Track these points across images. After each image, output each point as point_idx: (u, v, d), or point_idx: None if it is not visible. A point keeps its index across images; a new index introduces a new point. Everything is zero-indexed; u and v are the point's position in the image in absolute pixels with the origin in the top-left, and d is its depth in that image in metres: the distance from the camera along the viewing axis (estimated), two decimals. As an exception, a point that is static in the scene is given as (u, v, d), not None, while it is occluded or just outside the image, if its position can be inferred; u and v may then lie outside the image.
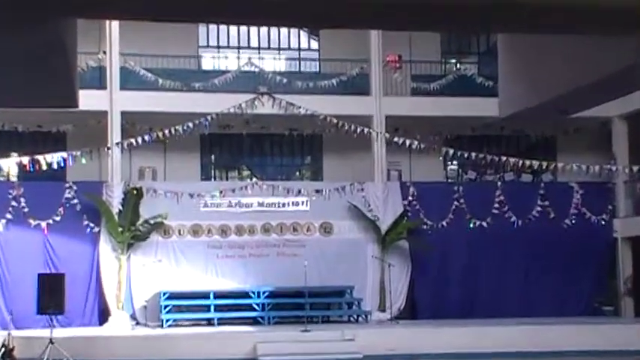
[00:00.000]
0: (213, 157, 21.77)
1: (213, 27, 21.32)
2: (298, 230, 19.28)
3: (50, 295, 14.84)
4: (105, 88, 19.05)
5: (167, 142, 19.37)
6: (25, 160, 17.35)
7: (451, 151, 19.32)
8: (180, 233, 18.83)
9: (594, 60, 7.21)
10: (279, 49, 22.06)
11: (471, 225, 19.61)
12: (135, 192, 18.44)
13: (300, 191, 19.27)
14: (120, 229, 18.13)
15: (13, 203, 18.05)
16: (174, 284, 18.39)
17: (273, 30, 21.46)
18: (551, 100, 8.52)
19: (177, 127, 18.44)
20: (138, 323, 17.93)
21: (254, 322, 18.05)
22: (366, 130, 19.22)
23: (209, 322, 18.14)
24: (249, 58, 20.58)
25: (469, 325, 17.27)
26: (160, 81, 19.31)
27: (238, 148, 21.61)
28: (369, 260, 19.25)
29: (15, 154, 18.83)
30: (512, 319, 17.98)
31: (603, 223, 20.04)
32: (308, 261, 17.69)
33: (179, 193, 18.66)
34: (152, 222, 18.48)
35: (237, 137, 21.21)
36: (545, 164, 19.22)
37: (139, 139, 18.34)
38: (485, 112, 18.37)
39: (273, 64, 21.65)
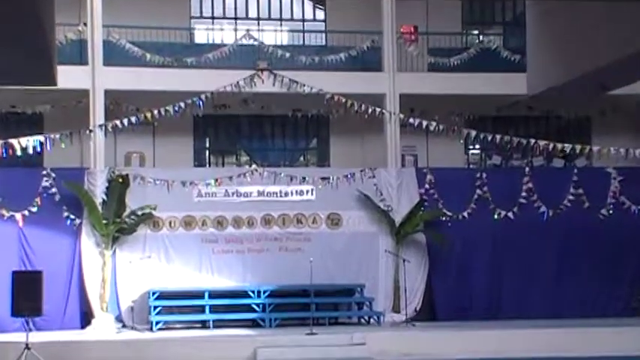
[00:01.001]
0: (207, 140, 21.83)
1: (207, -5, 21.33)
2: (303, 222, 19.26)
3: (26, 295, 14.81)
4: (86, 63, 19.00)
5: (156, 124, 19.31)
6: (-2, 144, 17.32)
7: (473, 134, 19.29)
8: (171, 226, 18.82)
9: (638, 27, 7.08)
10: (280, 19, 22.01)
11: (496, 216, 19.57)
12: (120, 180, 18.41)
13: (304, 179, 19.24)
14: (104, 222, 18.11)
15: (-15, 193, 18.02)
16: (164, 282, 18.41)
17: (274, -2, 21.47)
18: (588, 75, 8.40)
19: (167, 108, 18.44)
20: (124, 326, 17.93)
21: (254, 324, 18.06)
22: (378, 110, 19.19)
23: (204, 325, 18.13)
24: (248, 31, 20.51)
25: (494, 327, 17.25)
26: (148, 56, 19.33)
27: (236, 131, 21.64)
28: (381, 255, 19.23)
29: (-14, 138, 18.81)
30: (542, 321, 17.95)
31: (644, 213, 19.95)
32: (313, 256, 17.66)
33: (170, 182, 18.66)
34: (140, 213, 18.47)
35: (235, 118, 21.25)
36: (578, 148, 19.14)
37: (125, 121, 18.34)
38: (511, 90, 18.31)
39: (274, 36, 21.63)
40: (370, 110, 19.02)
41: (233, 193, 19.11)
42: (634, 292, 19.76)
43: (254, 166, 20.38)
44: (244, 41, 20.21)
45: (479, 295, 19.33)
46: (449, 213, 19.50)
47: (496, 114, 21.39)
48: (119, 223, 18.21)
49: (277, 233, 19.16)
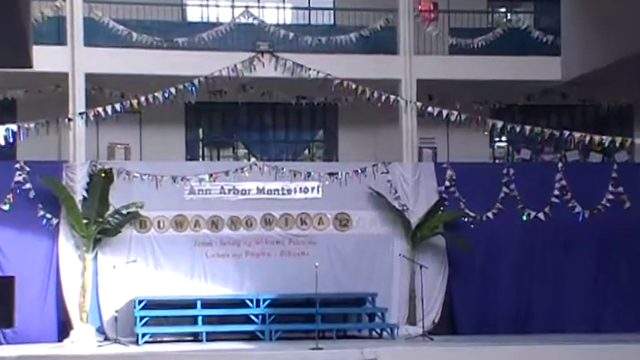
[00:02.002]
0: (201, 131, 21.77)
1: (201, -33, 21.26)
2: (307, 223, 19.29)
3: (-4, 304, 14.78)
4: (65, 43, 18.99)
5: (143, 112, 19.32)
6: (-35, 134, 17.34)
7: (499, 124, 19.22)
8: (159, 226, 18.85)
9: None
10: (283, -5, 21.95)
11: (525, 217, 19.58)
12: (103, 175, 18.43)
13: (309, 174, 19.25)
14: (84, 221, 18.10)
15: (-49, 188, 18.03)
16: (152, 290, 18.42)
17: (276, -28, 21.41)
18: (630, 58, 8.36)
19: (156, 94, 18.43)
20: (107, 339, 17.92)
21: (252, 337, 18.04)
22: (392, 97, 19.14)
23: (196, 338, 18.14)
24: (247, 8, 20.44)
25: (522, 342, 17.19)
26: (135, 35, 19.28)
27: (233, 121, 21.60)
28: (395, 261, 19.24)
29: (-48, 127, 18.79)
30: (578, 336, 17.93)
31: (693, 214, 19.89)
32: (319, 261, 17.68)
33: (158, 177, 18.67)
34: (125, 212, 18.47)
35: (232, 107, 21.18)
36: (619, 140, 19.05)
37: (109, 109, 18.31)
38: (543, 75, 18.38)
39: (276, 14, 21.53)
40: (384, 98, 18.97)
41: (229, 190, 19.12)
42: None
43: (253, 160, 20.37)
44: (243, 20, 20.12)
45: (505, 306, 19.31)
46: (471, 213, 19.50)
47: (525, 102, 21.31)
48: (101, 223, 18.20)
49: (279, 235, 19.18)
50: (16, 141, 18.04)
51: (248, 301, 18.31)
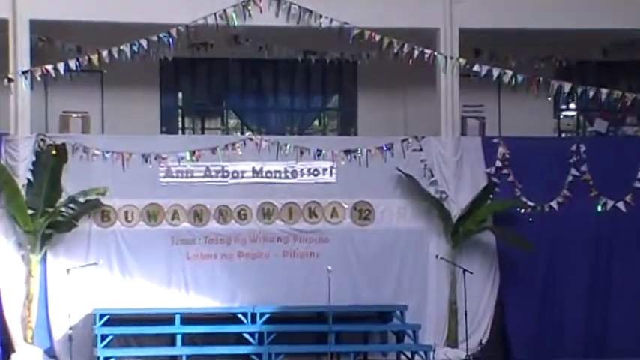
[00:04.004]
0: (180, 95, 21.88)
1: None
2: (318, 215, 19.26)
3: None
4: (5, -18, 19.03)
5: (106, 71, 19.38)
6: None
7: (567, 87, 19.04)
8: (127, 219, 18.86)
9: None
10: None
11: (600, 208, 19.55)
12: (54, 152, 18.38)
13: (320, 152, 19.20)
14: (30, 212, 18.10)
15: None
16: (117, 301, 18.44)
17: None
18: None
19: (122, 48, 18.37)
20: (58, 364, 18.05)
21: (246, 362, 18.23)
22: (427, 52, 18.97)
23: (174, 362, 18.32)
24: None
25: (596, 370, 17.14)
26: (94, -28, 19.17)
27: (221, 82, 21.72)
28: (431, 264, 19.26)
29: None
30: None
31: None
32: (333, 265, 17.50)
33: (126, 155, 18.66)
34: (82, 200, 18.45)
35: (220, 64, 21.37)
36: None
37: (61, 67, 18.22)
38: (625, 23, 18.71)
39: (277, -56, 21.31)
40: (417, 53, 18.86)
41: (217, 173, 19.12)
42: None
43: (248, 133, 20.47)
44: (234, -49, 20.08)
45: (573, 323, 19.37)
46: (530, 203, 19.53)
47: (601, 58, 21.38)
48: (52, 215, 18.19)
49: (281, 231, 19.19)
50: (-59, 108, 18.02)
51: (241, 316, 18.35)
